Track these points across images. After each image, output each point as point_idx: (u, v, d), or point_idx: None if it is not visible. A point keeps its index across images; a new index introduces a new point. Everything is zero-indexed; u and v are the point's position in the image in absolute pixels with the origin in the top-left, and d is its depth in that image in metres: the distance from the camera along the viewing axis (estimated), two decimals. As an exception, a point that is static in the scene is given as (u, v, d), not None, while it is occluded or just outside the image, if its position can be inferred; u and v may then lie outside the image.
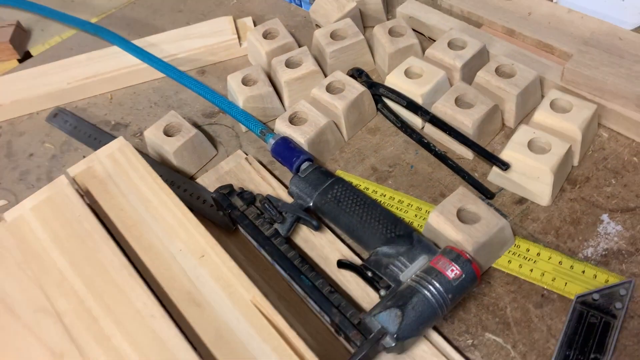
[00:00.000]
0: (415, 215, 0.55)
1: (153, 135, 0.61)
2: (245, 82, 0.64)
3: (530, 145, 0.53)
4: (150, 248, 0.47)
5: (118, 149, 0.54)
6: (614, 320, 0.46)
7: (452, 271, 0.45)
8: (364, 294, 0.49)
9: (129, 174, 0.52)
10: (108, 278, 0.43)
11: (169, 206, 0.49)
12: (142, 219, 0.49)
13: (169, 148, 0.60)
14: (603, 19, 0.65)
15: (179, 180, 0.60)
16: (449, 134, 0.58)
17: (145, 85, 0.75)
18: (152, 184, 0.51)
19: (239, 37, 0.75)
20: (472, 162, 0.59)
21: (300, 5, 0.80)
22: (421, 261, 0.47)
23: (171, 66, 0.70)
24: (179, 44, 0.75)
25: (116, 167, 0.52)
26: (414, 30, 0.68)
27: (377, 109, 0.64)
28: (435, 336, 0.47)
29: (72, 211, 0.47)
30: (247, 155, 0.62)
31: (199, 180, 0.60)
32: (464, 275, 0.45)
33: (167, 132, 0.62)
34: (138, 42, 0.75)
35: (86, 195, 0.51)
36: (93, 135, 0.68)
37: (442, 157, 0.59)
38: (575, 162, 0.57)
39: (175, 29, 0.77)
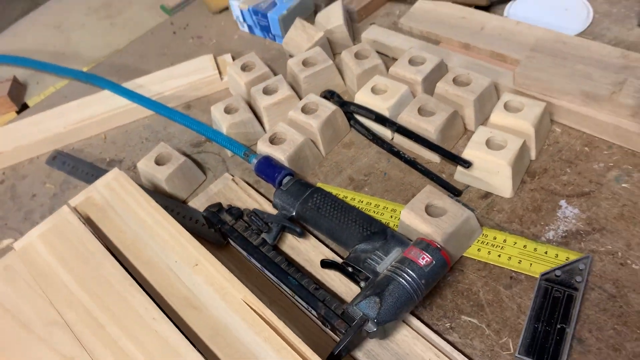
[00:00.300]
0: (391, 217, 0.60)
1: (145, 166, 0.66)
2: (227, 110, 0.70)
3: (489, 144, 0.59)
4: (149, 262, 0.51)
5: (113, 178, 0.59)
6: (575, 292, 0.51)
7: (423, 259, 0.49)
8: (347, 289, 0.53)
9: (125, 199, 0.57)
10: (111, 290, 0.47)
11: (163, 224, 0.54)
12: (139, 238, 0.53)
13: (161, 176, 0.65)
14: (548, 28, 0.71)
15: (172, 205, 0.65)
16: (416, 141, 0.63)
17: (136, 124, 0.80)
18: (147, 207, 0.56)
19: (220, 73, 0.81)
20: (439, 165, 0.64)
21: (274, 40, 0.87)
22: (395, 253, 0.52)
23: (159, 103, 0.76)
24: (165, 83, 0.81)
25: (113, 195, 0.57)
26: (378, 52, 0.75)
27: (350, 125, 0.70)
28: (415, 322, 0.51)
29: (75, 235, 0.52)
30: (233, 176, 0.67)
31: (191, 204, 0.65)
32: (434, 262, 0.49)
33: (158, 162, 0.67)
34: (127, 85, 0.81)
35: (87, 222, 0.55)
36: (90, 172, 0.74)
37: (412, 163, 0.64)
38: (533, 156, 0.62)
39: (161, 70, 0.83)
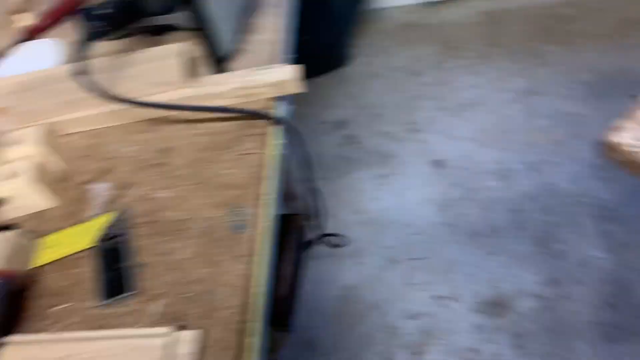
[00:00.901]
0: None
1: None
2: None
3: (7, 178, 0.67)
4: None
5: None
6: (126, 236, 0.65)
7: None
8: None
9: None
10: None
11: None
12: None
13: None
14: (30, 71, 0.82)
15: None
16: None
17: None
18: None
19: None
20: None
21: None
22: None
23: None
24: None
25: None
26: None
27: None
28: (28, 337, 0.57)
29: None
30: None
31: None
32: (-3, 282, 0.57)
33: None
34: None
35: None
36: None
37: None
38: (62, 165, 0.73)
39: None
